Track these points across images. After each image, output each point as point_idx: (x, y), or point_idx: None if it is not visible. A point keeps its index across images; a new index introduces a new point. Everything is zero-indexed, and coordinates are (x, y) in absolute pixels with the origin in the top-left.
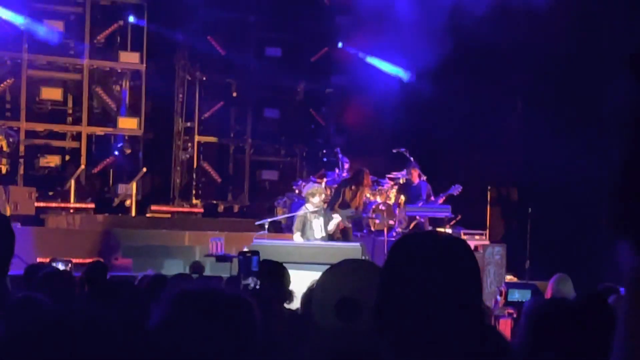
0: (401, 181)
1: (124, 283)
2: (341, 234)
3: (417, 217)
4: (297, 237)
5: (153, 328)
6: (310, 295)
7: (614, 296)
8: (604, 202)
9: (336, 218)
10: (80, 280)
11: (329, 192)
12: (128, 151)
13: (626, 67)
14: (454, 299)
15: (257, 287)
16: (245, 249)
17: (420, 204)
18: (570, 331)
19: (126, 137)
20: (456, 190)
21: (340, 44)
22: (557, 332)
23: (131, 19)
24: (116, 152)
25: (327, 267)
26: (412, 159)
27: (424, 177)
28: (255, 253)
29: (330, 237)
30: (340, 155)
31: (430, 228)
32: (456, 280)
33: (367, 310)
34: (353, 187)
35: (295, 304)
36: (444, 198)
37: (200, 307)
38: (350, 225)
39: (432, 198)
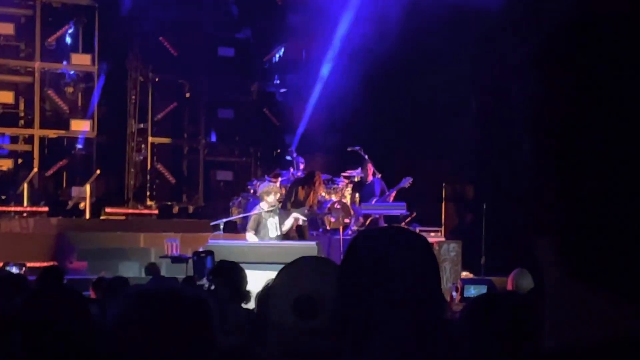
0: (356, 179)
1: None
2: (297, 233)
3: (372, 214)
4: (250, 237)
5: (109, 328)
6: (266, 294)
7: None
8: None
9: (293, 216)
10: (35, 284)
11: (283, 191)
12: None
13: (531, 67)
14: (413, 294)
15: (212, 287)
16: (201, 250)
17: (374, 201)
18: (503, 322)
19: (79, 140)
20: (407, 182)
21: (290, 44)
22: (492, 320)
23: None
24: (79, 146)
25: (283, 266)
26: (366, 156)
27: (378, 175)
28: (210, 253)
29: (286, 236)
30: (294, 155)
31: (385, 225)
32: (415, 275)
33: (325, 308)
34: (305, 187)
35: (252, 304)
36: (395, 192)
37: (155, 306)
38: (305, 223)
39: (387, 192)
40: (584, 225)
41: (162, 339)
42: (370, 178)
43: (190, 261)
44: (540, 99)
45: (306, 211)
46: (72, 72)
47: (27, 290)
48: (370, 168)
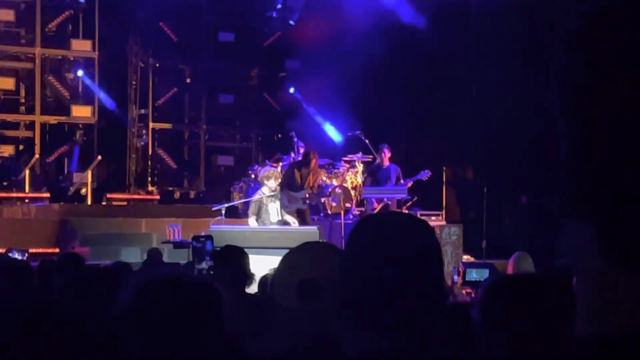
0: (357, 163)
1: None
2: (298, 218)
3: (385, 200)
4: (252, 221)
5: (118, 314)
6: (268, 278)
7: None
8: (556, 181)
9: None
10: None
11: None
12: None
13: (570, 45)
14: (416, 279)
15: (211, 271)
16: (202, 234)
17: (389, 187)
18: (530, 305)
19: (80, 126)
20: (425, 175)
21: (291, 22)
22: (516, 306)
23: (80, 73)
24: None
25: (285, 251)
26: (367, 141)
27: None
28: (209, 238)
29: (286, 221)
30: (295, 139)
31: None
32: (417, 259)
33: (328, 291)
34: (303, 169)
35: (253, 288)
36: (411, 183)
37: (164, 294)
38: (306, 207)
39: (402, 181)
40: (627, 212)
41: (172, 326)
42: (386, 163)
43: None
44: (582, 81)
45: (306, 194)
46: (72, 58)
47: (31, 277)
48: (387, 153)
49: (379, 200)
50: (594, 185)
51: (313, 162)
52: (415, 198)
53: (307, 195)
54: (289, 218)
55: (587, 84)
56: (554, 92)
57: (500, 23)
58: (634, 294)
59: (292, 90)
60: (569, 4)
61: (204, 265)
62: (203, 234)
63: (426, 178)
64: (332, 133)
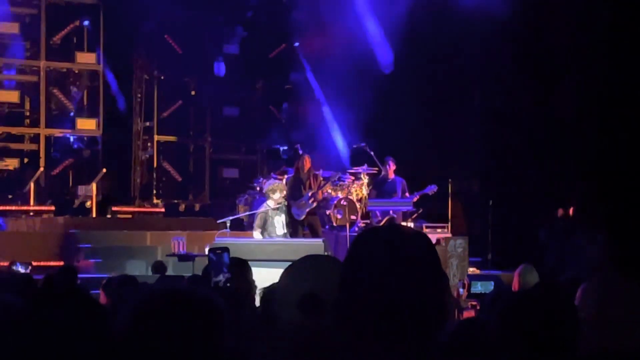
0: (362, 176)
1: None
2: (309, 230)
3: (390, 212)
4: (257, 234)
5: (118, 331)
6: (271, 292)
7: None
8: (571, 194)
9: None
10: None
11: None
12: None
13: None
14: (414, 294)
15: (228, 284)
16: (215, 246)
17: (394, 200)
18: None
19: (85, 138)
20: (431, 190)
21: (296, 44)
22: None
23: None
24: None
25: (290, 263)
26: (372, 153)
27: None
28: (226, 250)
29: (294, 233)
30: (300, 152)
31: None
32: (415, 274)
33: (330, 305)
34: (301, 175)
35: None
36: (417, 197)
37: (164, 309)
38: (316, 216)
39: (407, 194)
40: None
41: (171, 341)
42: (391, 175)
43: (198, 259)
44: (603, 89)
45: (309, 200)
46: (77, 71)
47: (33, 290)
48: (392, 165)
49: (384, 213)
50: (606, 197)
51: (306, 164)
52: (421, 210)
53: (311, 194)
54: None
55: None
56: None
57: (504, 34)
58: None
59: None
60: (576, 17)
61: (220, 277)
62: (208, 247)
63: (432, 193)
64: (339, 144)
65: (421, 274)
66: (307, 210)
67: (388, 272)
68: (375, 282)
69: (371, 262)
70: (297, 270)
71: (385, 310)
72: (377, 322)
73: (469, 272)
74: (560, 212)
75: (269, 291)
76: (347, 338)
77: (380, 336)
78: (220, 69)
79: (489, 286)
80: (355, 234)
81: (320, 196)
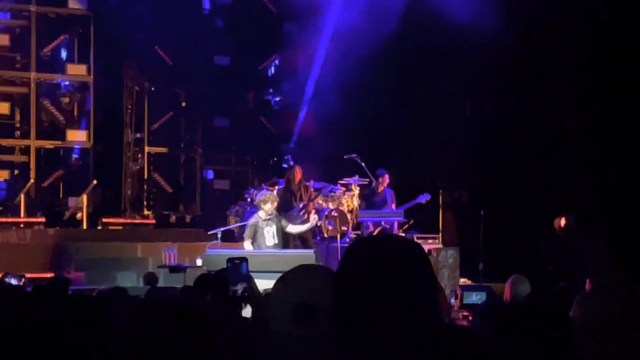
0: (353, 186)
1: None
2: (300, 241)
3: (382, 223)
4: (247, 245)
5: (110, 340)
6: (264, 301)
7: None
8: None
9: (308, 226)
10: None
11: None
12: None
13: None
14: (407, 302)
15: (246, 293)
16: (234, 256)
17: (385, 210)
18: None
19: (75, 150)
20: (424, 199)
21: (285, 55)
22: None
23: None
24: (75, 156)
25: (282, 274)
26: (363, 164)
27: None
28: (244, 260)
29: (286, 244)
30: (291, 163)
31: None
32: (408, 283)
33: (323, 315)
34: (292, 186)
35: (247, 312)
36: (411, 206)
37: (156, 318)
38: (309, 231)
39: (393, 206)
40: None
41: (162, 350)
42: (381, 188)
43: (189, 270)
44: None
45: (300, 212)
46: (67, 82)
47: (26, 302)
48: (387, 179)
49: (376, 224)
50: (607, 200)
51: (297, 174)
52: (412, 221)
53: (302, 206)
54: (296, 228)
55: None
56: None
57: (493, 45)
58: None
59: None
60: (567, 30)
61: (239, 287)
62: (199, 258)
63: (425, 202)
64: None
65: (413, 282)
66: (299, 221)
67: (380, 281)
68: (367, 290)
69: (363, 270)
70: (290, 279)
71: (377, 317)
72: (370, 329)
73: (460, 283)
74: (556, 222)
75: (262, 300)
76: (341, 346)
77: (373, 342)
78: (223, 61)
79: (482, 296)
80: (347, 244)
81: (311, 208)
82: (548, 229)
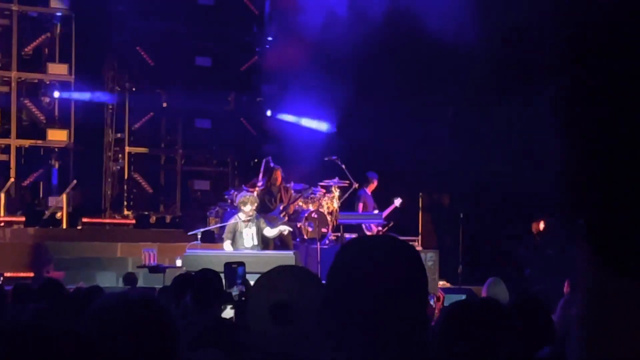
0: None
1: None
2: (280, 242)
3: (375, 227)
4: (227, 246)
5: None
6: (244, 300)
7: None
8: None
9: (280, 228)
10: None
11: None
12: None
13: (565, 60)
14: (400, 303)
15: (243, 297)
16: (231, 259)
17: (376, 212)
18: (481, 328)
19: (56, 149)
20: (397, 202)
21: (267, 55)
22: (469, 327)
23: (57, 94)
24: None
25: (260, 275)
26: (343, 166)
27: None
28: (241, 264)
29: (266, 245)
30: (272, 164)
31: None
32: (403, 284)
33: (301, 314)
34: (272, 188)
35: (230, 313)
36: (386, 214)
37: (117, 319)
38: (289, 233)
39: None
40: (618, 221)
41: (124, 346)
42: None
43: (168, 270)
44: (571, 98)
45: (281, 215)
46: (48, 82)
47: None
48: (376, 182)
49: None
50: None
51: (277, 177)
52: (392, 224)
53: (282, 208)
54: (272, 231)
55: (574, 104)
56: (550, 115)
57: (478, 49)
58: (632, 300)
59: (269, 113)
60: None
61: (235, 290)
62: (179, 259)
63: (400, 204)
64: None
65: (407, 283)
66: (279, 223)
67: (373, 282)
68: (360, 291)
69: (356, 270)
70: (269, 280)
71: (368, 319)
72: (360, 331)
73: (439, 286)
74: (534, 226)
75: (242, 300)
76: (327, 346)
77: (362, 345)
78: (204, 62)
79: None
80: (326, 246)
81: (291, 210)
82: (528, 232)
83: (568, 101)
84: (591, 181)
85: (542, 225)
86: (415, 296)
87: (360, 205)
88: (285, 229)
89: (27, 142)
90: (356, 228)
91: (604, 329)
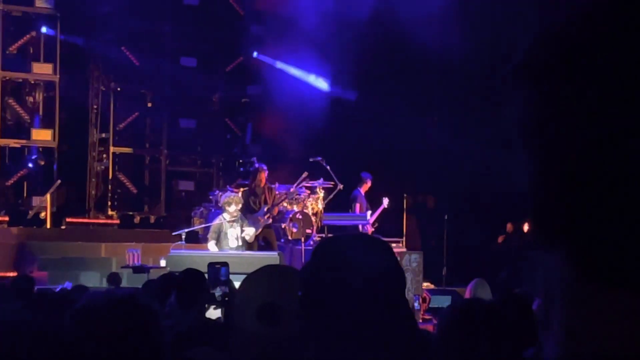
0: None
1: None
2: (264, 242)
3: (360, 227)
4: (211, 246)
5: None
6: (230, 301)
7: (537, 302)
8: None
9: (249, 230)
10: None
11: None
12: (42, 163)
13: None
14: (377, 300)
15: (226, 298)
16: (214, 260)
17: (369, 212)
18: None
19: (40, 149)
20: (385, 202)
21: (255, 54)
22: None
23: (44, 29)
24: (30, 165)
25: (246, 275)
26: (328, 167)
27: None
28: (224, 264)
29: (250, 246)
30: (257, 165)
31: None
32: (378, 280)
33: (288, 314)
34: (256, 189)
35: (216, 313)
36: (377, 215)
37: (100, 319)
38: (271, 230)
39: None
40: (592, 228)
41: (108, 343)
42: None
43: (152, 271)
44: (533, 108)
45: (265, 216)
46: (33, 81)
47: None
48: (369, 183)
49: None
50: (556, 206)
51: (262, 177)
52: (377, 225)
53: (267, 209)
54: (248, 235)
55: (540, 114)
56: (512, 125)
57: (460, 54)
58: (608, 307)
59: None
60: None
61: (218, 291)
62: (163, 259)
63: (387, 205)
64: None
65: (382, 279)
66: (263, 226)
67: (349, 279)
68: (336, 289)
69: (332, 269)
70: (256, 279)
71: (346, 317)
72: (339, 329)
73: (424, 287)
74: (509, 227)
75: (225, 301)
76: (308, 346)
77: (342, 344)
78: (189, 62)
79: (447, 301)
80: (311, 247)
81: (275, 212)
82: (506, 233)
83: (536, 106)
84: (563, 186)
85: (526, 227)
86: (392, 290)
87: (357, 205)
88: (248, 234)
89: (11, 142)
90: (342, 229)
91: (578, 336)
